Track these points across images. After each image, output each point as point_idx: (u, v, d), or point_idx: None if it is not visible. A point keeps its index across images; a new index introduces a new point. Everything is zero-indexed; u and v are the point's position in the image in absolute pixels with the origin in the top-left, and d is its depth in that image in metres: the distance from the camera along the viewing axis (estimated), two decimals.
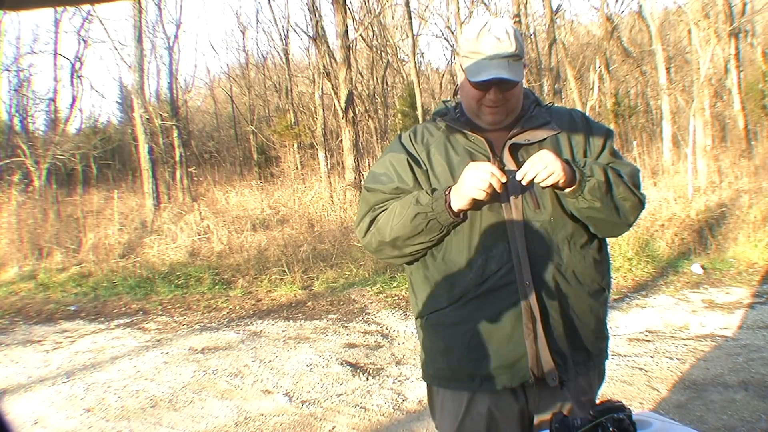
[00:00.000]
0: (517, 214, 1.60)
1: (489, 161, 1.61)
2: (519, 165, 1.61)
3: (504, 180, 1.50)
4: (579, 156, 1.67)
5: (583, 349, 1.66)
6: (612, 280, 1.77)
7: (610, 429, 1.36)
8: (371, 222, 1.68)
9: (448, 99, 1.83)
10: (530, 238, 1.59)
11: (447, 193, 1.55)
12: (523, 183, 1.53)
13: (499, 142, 1.65)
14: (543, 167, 1.50)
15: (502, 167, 1.60)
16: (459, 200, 1.53)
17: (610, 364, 4.18)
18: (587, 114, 1.93)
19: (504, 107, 1.63)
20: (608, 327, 1.78)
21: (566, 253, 1.62)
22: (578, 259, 1.64)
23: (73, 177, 19.09)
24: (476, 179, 1.48)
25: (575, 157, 1.67)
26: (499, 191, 1.51)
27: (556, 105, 1.81)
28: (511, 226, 1.59)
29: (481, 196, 1.49)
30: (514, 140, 1.64)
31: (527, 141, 1.65)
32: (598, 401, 1.48)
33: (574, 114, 1.77)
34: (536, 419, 1.67)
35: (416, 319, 1.76)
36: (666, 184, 9.35)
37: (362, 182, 1.77)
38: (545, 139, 1.66)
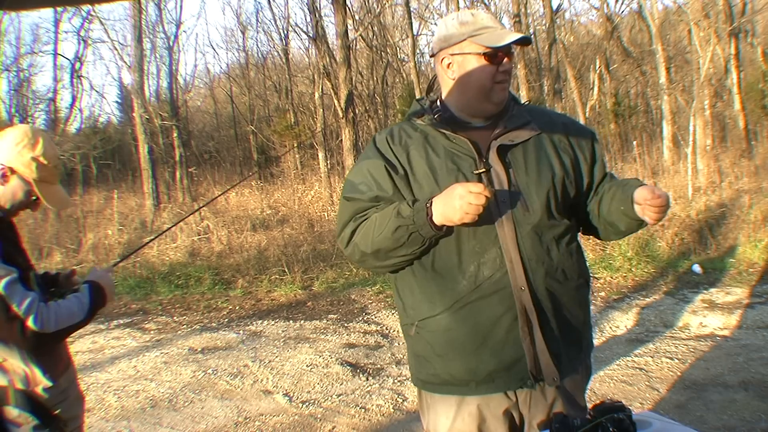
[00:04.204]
0: (507, 219, 1.59)
1: (475, 163, 1.61)
2: (506, 166, 1.62)
3: (491, 196, 1.48)
4: (565, 157, 1.69)
5: (575, 344, 1.68)
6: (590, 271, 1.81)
7: (610, 429, 1.36)
8: (353, 232, 1.64)
9: (422, 98, 1.81)
10: (522, 241, 1.59)
11: (428, 205, 1.51)
12: (641, 216, 1.56)
13: (483, 142, 1.64)
14: (663, 215, 1.54)
15: (488, 168, 1.60)
16: (444, 220, 1.50)
17: (610, 364, 4.20)
18: (567, 114, 1.97)
19: (509, 82, 1.66)
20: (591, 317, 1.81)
21: (555, 253, 1.63)
22: (566, 257, 1.65)
23: (73, 177, 19.10)
24: (467, 205, 1.45)
25: (561, 158, 1.68)
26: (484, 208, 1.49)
27: (531, 104, 1.82)
28: (502, 230, 1.59)
29: (472, 219, 1.47)
30: (500, 141, 1.64)
31: (512, 142, 1.65)
32: (598, 401, 1.48)
33: (552, 114, 1.80)
34: (527, 418, 1.67)
35: (405, 325, 1.72)
36: (666, 184, 9.35)
37: (343, 190, 1.73)
38: (529, 139, 1.67)
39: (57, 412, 1.83)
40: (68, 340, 1.93)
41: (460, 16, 1.66)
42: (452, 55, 1.66)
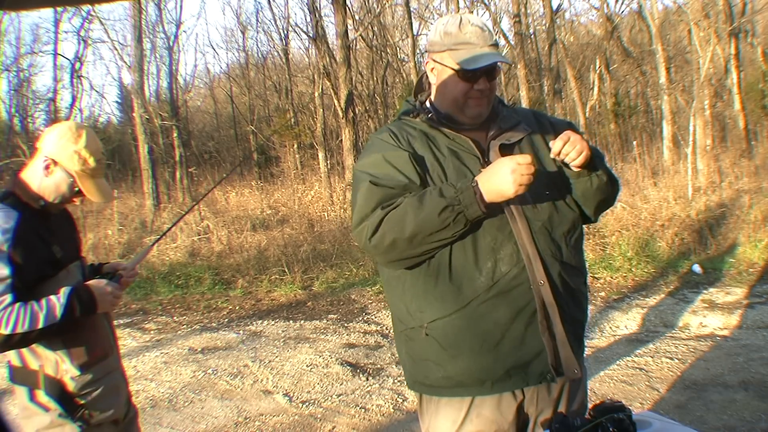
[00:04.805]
0: (519, 215, 1.60)
1: (479, 161, 1.62)
2: None
3: (537, 165, 1.49)
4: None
5: (579, 339, 1.70)
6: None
7: (610, 429, 1.36)
8: (381, 220, 1.54)
9: (410, 98, 1.81)
10: (536, 237, 1.60)
11: (475, 184, 1.49)
12: (566, 160, 1.55)
13: (481, 141, 1.68)
14: (578, 145, 1.53)
15: None
16: (498, 196, 1.49)
17: (610, 364, 4.20)
18: (547, 114, 1.99)
19: (488, 98, 1.66)
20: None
21: (565, 248, 1.65)
22: (574, 253, 1.68)
23: None
24: (520, 176, 1.45)
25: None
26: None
27: (517, 105, 1.84)
28: (516, 226, 1.59)
29: (525, 190, 1.47)
30: (499, 141, 1.67)
31: (508, 141, 1.68)
32: (598, 401, 1.49)
33: (537, 114, 1.83)
34: (533, 416, 1.67)
35: (410, 329, 1.66)
36: (666, 184, 9.34)
37: (356, 182, 1.68)
38: (522, 139, 1.69)
39: (82, 402, 1.87)
40: (104, 332, 1.98)
41: (448, 24, 1.66)
42: (434, 61, 1.68)
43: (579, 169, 1.59)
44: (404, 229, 1.51)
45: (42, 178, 1.88)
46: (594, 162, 1.59)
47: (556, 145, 1.54)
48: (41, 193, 1.88)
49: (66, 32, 32.20)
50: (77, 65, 21.28)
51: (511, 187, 1.46)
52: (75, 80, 21.41)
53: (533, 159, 1.48)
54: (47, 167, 1.87)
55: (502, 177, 1.46)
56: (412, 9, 18.84)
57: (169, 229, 2.91)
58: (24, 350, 1.83)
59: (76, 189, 1.91)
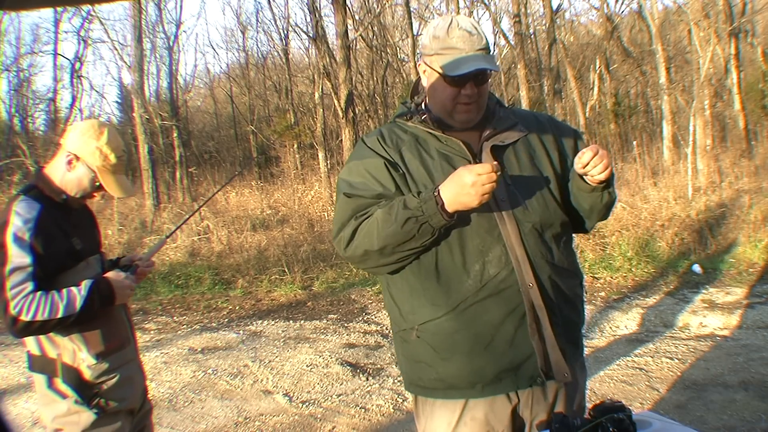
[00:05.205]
0: (509, 217, 1.59)
1: (469, 164, 1.59)
2: (501, 167, 1.61)
3: (499, 169, 1.48)
4: (554, 156, 1.70)
5: (574, 342, 1.69)
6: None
7: (610, 429, 1.36)
8: (354, 231, 1.58)
9: (407, 100, 1.79)
10: (525, 239, 1.59)
11: (437, 194, 1.48)
12: (592, 172, 1.52)
13: (474, 144, 1.65)
14: (605, 159, 1.51)
15: None
16: (461, 207, 1.47)
17: (610, 364, 4.20)
18: (554, 117, 1.96)
19: (477, 103, 1.63)
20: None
21: (556, 251, 1.63)
22: (565, 255, 1.66)
23: None
24: (481, 187, 1.43)
25: (551, 157, 1.69)
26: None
27: (516, 107, 1.83)
28: (505, 229, 1.58)
29: (485, 200, 1.46)
30: (492, 142, 1.65)
31: (502, 142, 1.66)
32: (598, 401, 1.48)
33: (538, 116, 1.81)
34: (528, 419, 1.66)
35: (403, 331, 1.67)
36: (666, 184, 9.35)
37: (337, 191, 1.69)
38: (517, 140, 1.68)
39: (97, 390, 1.92)
40: (121, 323, 2.07)
41: (437, 27, 1.63)
42: (425, 64, 1.66)
43: (596, 184, 1.58)
44: (373, 241, 1.54)
45: (64, 173, 1.94)
46: (610, 179, 1.59)
47: (585, 155, 1.51)
48: (63, 188, 1.95)
49: (66, 32, 32.20)
50: (77, 65, 21.31)
51: (474, 199, 1.44)
52: (75, 80, 21.43)
53: (494, 166, 1.45)
54: (70, 162, 1.93)
55: (463, 189, 1.44)
56: (412, 9, 18.86)
57: (184, 221, 2.97)
58: (43, 339, 1.88)
59: (97, 184, 1.98)
